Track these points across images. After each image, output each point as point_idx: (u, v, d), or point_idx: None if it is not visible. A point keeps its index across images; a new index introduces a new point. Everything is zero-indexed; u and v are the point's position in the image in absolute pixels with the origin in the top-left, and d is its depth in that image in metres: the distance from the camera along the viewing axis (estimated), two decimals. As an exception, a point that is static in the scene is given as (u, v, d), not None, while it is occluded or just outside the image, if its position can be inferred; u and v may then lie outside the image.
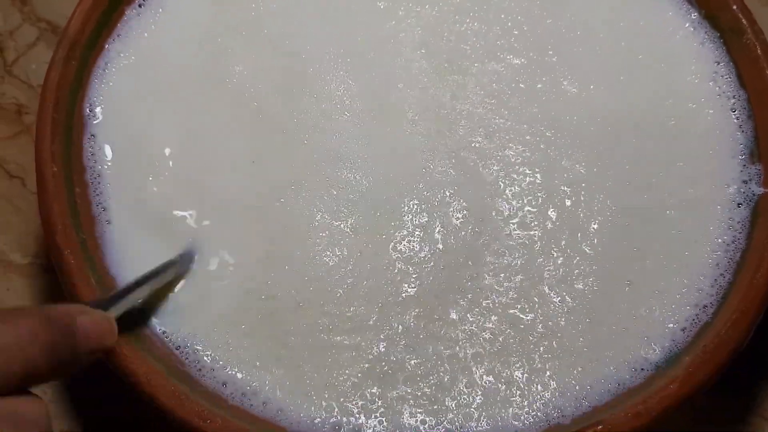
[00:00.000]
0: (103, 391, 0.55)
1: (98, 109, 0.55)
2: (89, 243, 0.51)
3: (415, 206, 0.53)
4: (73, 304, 0.41)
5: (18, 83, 0.66)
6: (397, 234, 0.53)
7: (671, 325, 0.50)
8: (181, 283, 0.51)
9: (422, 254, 0.52)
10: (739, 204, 0.52)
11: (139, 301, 0.48)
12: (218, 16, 0.59)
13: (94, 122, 0.55)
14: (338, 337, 0.50)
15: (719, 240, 0.52)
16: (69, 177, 0.52)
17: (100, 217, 0.52)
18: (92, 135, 0.54)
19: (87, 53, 0.55)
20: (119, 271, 0.51)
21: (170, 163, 0.55)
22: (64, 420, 0.56)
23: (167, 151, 0.55)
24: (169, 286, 0.51)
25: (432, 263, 0.52)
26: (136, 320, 0.49)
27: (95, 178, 0.53)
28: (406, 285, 0.51)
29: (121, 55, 0.57)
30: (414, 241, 0.52)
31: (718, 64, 0.56)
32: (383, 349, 0.50)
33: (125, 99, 0.56)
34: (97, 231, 0.52)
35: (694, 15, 0.57)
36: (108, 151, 0.54)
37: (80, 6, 0.55)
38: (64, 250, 0.48)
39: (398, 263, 0.52)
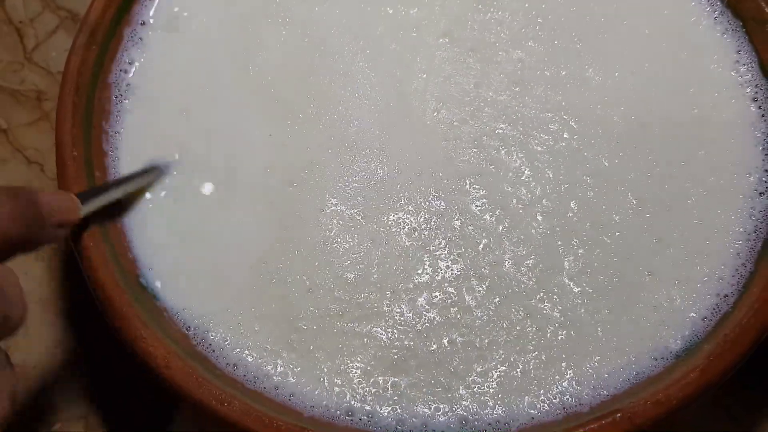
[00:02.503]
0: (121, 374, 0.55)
1: (118, 94, 0.55)
2: (109, 226, 0.51)
3: (433, 194, 0.53)
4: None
5: (38, 70, 0.66)
6: (411, 221, 0.52)
7: (692, 314, 0.49)
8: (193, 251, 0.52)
9: (437, 241, 0.52)
10: (761, 193, 0.52)
11: (111, 201, 0.50)
12: (241, 2, 0.59)
13: (114, 107, 0.55)
14: (350, 323, 0.50)
15: (740, 229, 0.51)
16: (89, 161, 0.52)
17: (120, 202, 0.52)
18: (112, 119, 0.54)
19: (107, 39, 0.55)
20: (139, 254, 0.51)
21: (188, 147, 0.55)
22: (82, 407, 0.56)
23: (186, 135, 0.55)
24: (141, 192, 0.52)
25: (447, 250, 0.52)
26: (150, 296, 0.50)
27: (115, 162, 0.53)
28: (419, 271, 0.51)
29: (142, 41, 0.57)
30: (429, 229, 0.52)
31: (740, 53, 0.55)
32: (395, 336, 0.50)
33: (145, 84, 0.56)
34: (116, 216, 0.52)
35: (717, 4, 0.57)
36: (127, 136, 0.54)
37: (99, -7, 0.55)
38: (83, 232, 0.48)
39: (412, 250, 0.52)
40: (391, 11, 0.59)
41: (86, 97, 0.53)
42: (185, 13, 0.59)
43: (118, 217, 0.52)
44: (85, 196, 0.46)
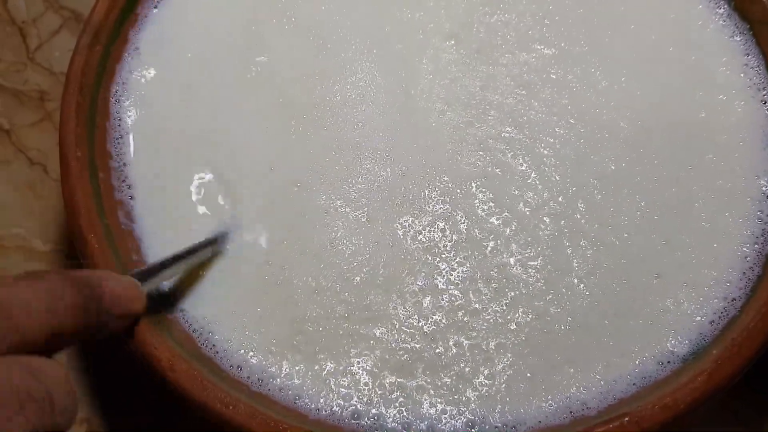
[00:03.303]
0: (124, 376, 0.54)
1: (122, 95, 0.55)
2: (113, 229, 0.50)
3: (438, 197, 0.53)
4: (101, 270, 0.40)
5: (41, 70, 0.66)
6: (417, 224, 0.52)
7: (699, 318, 0.49)
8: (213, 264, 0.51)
9: (443, 244, 0.52)
10: (769, 196, 0.52)
11: (171, 279, 0.48)
12: (246, 3, 0.59)
13: (118, 108, 0.55)
14: (355, 326, 0.50)
15: (748, 232, 0.51)
16: (93, 161, 0.52)
17: (125, 203, 0.52)
18: (116, 120, 0.54)
19: (111, 40, 0.56)
20: (142, 258, 0.51)
21: (193, 148, 0.55)
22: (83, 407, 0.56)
23: (191, 136, 0.55)
24: (202, 267, 0.51)
25: (453, 253, 0.51)
26: (161, 302, 0.49)
27: (119, 164, 0.53)
28: (424, 274, 0.51)
29: (146, 41, 0.57)
30: (434, 231, 0.52)
31: (748, 56, 0.55)
32: (402, 338, 0.49)
33: (149, 85, 0.56)
34: (121, 217, 0.52)
35: (724, 7, 0.57)
36: (132, 137, 0.54)
37: (103, -6, 0.55)
38: (88, 234, 0.48)
39: (417, 253, 0.51)
40: (397, 13, 0.59)
41: (90, 97, 0.53)
42: (189, 14, 0.59)
43: (125, 221, 0.52)
44: (144, 275, 0.44)
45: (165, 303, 0.50)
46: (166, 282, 0.49)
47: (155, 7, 0.58)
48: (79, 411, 0.54)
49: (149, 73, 0.56)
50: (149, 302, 0.44)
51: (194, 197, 0.53)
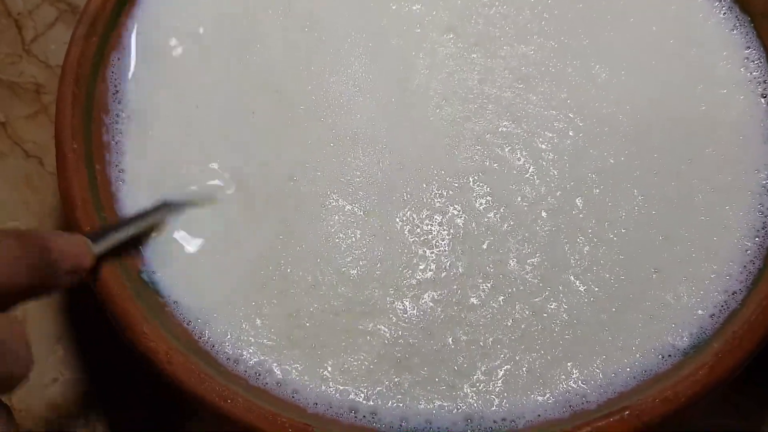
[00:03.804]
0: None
1: (118, 86, 0.55)
2: (109, 219, 0.50)
3: (435, 191, 0.53)
4: (48, 230, 0.42)
5: (36, 62, 0.66)
6: (414, 218, 0.52)
7: (700, 311, 0.49)
8: (193, 244, 0.51)
9: (440, 239, 0.51)
10: (770, 190, 0.51)
11: (124, 239, 0.49)
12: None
13: (115, 99, 0.55)
14: (353, 320, 0.49)
15: (749, 226, 0.51)
16: (89, 154, 0.52)
17: (120, 195, 0.52)
18: (113, 111, 0.54)
19: (107, 31, 0.55)
20: (140, 249, 0.51)
21: (190, 139, 0.54)
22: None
23: (187, 127, 0.55)
24: (152, 230, 0.51)
25: (451, 247, 0.51)
26: (151, 291, 0.50)
27: (116, 156, 0.53)
28: (422, 268, 0.51)
29: (142, 33, 0.57)
30: (432, 225, 0.52)
31: (749, 49, 0.55)
32: (399, 333, 0.49)
33: (145, 76, 0.56)
34: (117, 209, 0.52)
35: (725, 0, 0.56)
36: (128, 127, 0.54)
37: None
38: (84, 226, 0.48)
39: (414, 247, 0.51)
40: (394, 6, 0.59)
41: (86, 89, 0.53)
42: (186, 4, 0.58)
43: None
44: (95, 236, 0.45)
45: (156, 290, 0.50)
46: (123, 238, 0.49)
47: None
48: (80, 410, 0.55)
49: (145, 63, 0.56)
50: (141, 289, 0.47)
51: (190, 189, 0.53)
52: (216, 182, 0.53)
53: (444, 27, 0.58)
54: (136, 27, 0.57)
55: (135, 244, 0.50)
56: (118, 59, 0.56)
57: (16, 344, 0.36)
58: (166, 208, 0.52)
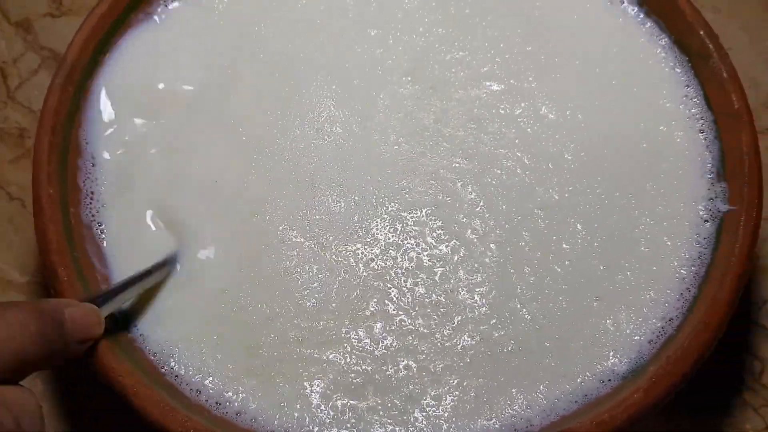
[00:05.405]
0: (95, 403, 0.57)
1: (92, 132, 0.57)
2: (83, 261, 0.53)
3: (389, 226, 0.55)
4: (62, 299, 0.43)
5: (20, 108, 0.69)
6: (368, 252, 0.54)
7: (638, 337, 0.51)
8: (164, 288, 0.53)
9: (393, 271, 0.54)
10: (705, 220, 0.54)
11: (127, 302, 0.51)
12: (217, 40, 0.62)
13: (89, 145, 0.57)
14: (309, 350, 0.52)
15: (686, 255, 0.53)
16: (64, 197, 0.54)
17: (94, 236, 0.55)
18: (87, 156, 0.57)
19: (83, 80, 0.58)
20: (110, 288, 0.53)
21: (158, 181, 0.57)
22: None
23: (156, 169, 0.57)
24: (155, 289, 0.53)
25: (404, 279, 0.54)
26: (119, 325, 0.52)
27: (89, 198, 0.56)
28: (376, 300, 0.53)
29: (116, 81, 0.59)
30: (386, 259, 0.54)
31: (688, 87, 0.57)
32: (354, 361, 0.52)
33: (117, 121, 0.58)
34: (90, 250, 0.54)
35: (665, 41, 0.59)
36: (101, 170, 0.57)
37: (78, 35, 0.58)
38: (58, 268, 0.51)
39: (369, 280, 0.54)
40: (359, 50, 0.61)
41: (62, 135, 0.55)
42: (159, 49, 0.61)
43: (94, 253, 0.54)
44: (102, 300, 0.47)
45: (124, 324, 0.52)
46: (125, 303, 0.52)
47: (128, 46, 0.60)
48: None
49: (117, 109, 0.59)
50: (109, 324, 0.47)
51: (157, 229, 0.56)
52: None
53: (403, 71, 0.60)
54: (110, 77, 0.59)
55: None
56: (92, 106, 0.58)
57: (29, 419, 0.37)
58: (167, 265, 0.54)
